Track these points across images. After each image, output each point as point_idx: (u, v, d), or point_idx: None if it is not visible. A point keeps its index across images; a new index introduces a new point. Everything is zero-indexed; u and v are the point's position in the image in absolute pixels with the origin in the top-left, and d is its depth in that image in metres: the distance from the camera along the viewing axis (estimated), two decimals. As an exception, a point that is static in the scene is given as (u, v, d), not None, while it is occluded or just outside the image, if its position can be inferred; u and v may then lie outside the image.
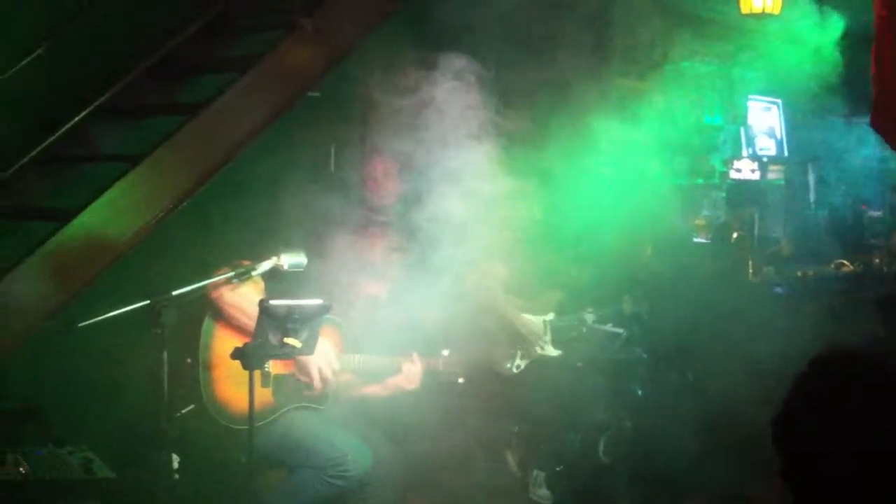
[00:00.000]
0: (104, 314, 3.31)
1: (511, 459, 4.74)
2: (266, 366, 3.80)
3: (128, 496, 3.45)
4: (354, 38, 4.59)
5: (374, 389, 4.09)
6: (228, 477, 3.78)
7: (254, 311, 3.50)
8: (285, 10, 4.37)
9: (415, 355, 4.05)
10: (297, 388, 3.90)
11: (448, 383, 4.09)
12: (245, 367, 3.34)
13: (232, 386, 3.76)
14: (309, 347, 3.50)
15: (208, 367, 3.79)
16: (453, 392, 4.13)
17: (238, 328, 3.79)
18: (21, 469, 3.36)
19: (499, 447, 4.70)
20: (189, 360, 3.76)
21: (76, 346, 4.04)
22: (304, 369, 3.87)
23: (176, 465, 3.32)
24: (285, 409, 3.87)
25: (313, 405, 3.94)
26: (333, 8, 4.44)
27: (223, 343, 3.78)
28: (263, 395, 3.82)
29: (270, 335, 3.39)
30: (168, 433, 3.34)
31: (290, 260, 3.72)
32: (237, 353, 3.35)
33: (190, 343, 3.78)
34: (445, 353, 4.11)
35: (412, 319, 3.98)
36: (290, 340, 3.40)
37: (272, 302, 3.38)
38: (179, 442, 3.58)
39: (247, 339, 3.50)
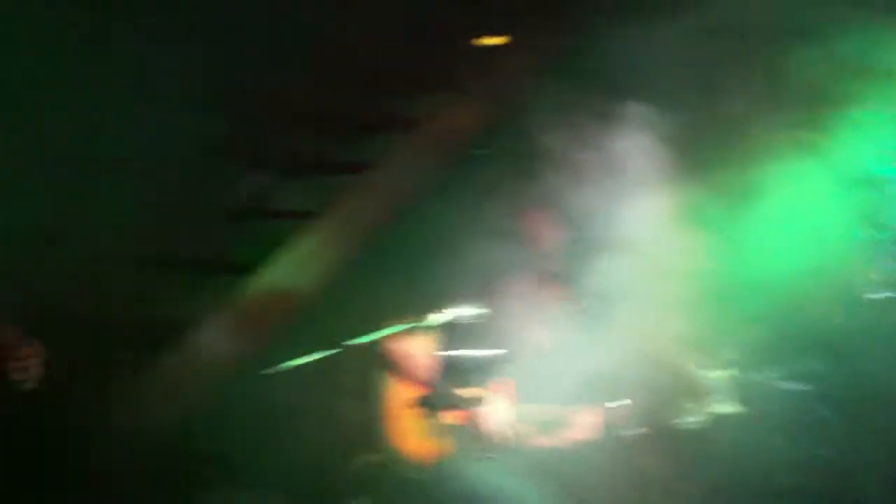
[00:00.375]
0: (286, 362, 3.44)
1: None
2: (443, 416, 3.90)
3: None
4: (521, 95, 4.67)
5: (547, 440, 4.08)
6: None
7: (428, 362, 3.60)
8: (452, 71, 4.48)
9: (587, 407, 4.02)
10: (473, 438, 3.93)
11: (620, 436, 4.04)
12: (424, 415, 3.40)
13: (409, 435, 3.85)
14: (485, 397, 3.54)
15: (386, 417, 3.88)
16: (625, 445, 4.07)
17: (413, 379, 3.87)
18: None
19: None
20: (368, 411, 3.83)
21: (260, 392, 4.21)
22: (480, 419, 3.90)
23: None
24: (463, 459, 3.90)
25: (489, 455, 3.96)
26: (500, 68, 4.54)
27: (400, 393, 3.88)
28: (441, 445, 3.87)
29: (448, 385, 3.45)
30: (352, 481, 3.40)
31: (466, 311, 3.79)
32: (416, 402, 3.43)
33: (368, 393, 3.87)
34: (618, 404, 4.06)
35: (585, 370, 3.96)
36: (467, 390, 3.45)
37: (450, 353, 3.44)
38: (362, 490, 3.65)
39: (422, 389, 3.60)
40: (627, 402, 4.04)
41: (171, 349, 3.77)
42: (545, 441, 4.05)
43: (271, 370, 3.46)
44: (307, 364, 3.46)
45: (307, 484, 4.11)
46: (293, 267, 4.09)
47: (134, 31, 4.07)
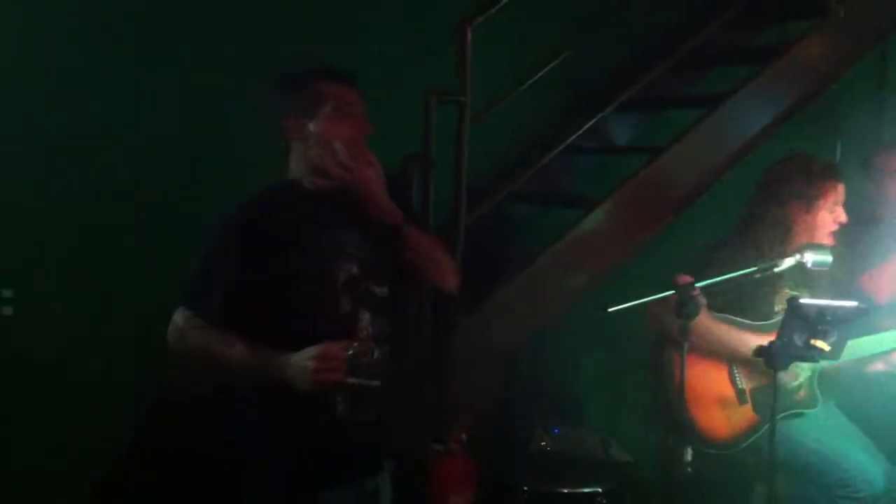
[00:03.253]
0: (628, 300, 3.39)
1: None
2: (739, 383, 3.69)
3: (643, 481, 3.50)
4: (888, 23, 4.27)
5: (875, 367, 3.75)
6: (735, 475, 3.72)
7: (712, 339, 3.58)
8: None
9: None
10: (781, 395, 3.60)
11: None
12: (768, 366, 3.23)
13: (706, 410, 3.66)
14: (836, 352, 3.30)
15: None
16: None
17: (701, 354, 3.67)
18: (544, 443, 3.56)
19: None
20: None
21: (586, 330, 4.21)
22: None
23: (689, 457, 3.29)
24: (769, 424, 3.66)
25: (802, 409, 3.71)
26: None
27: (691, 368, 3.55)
28: (743, 414, 3.67)
29: (796, 336, 3.24)
30: (683, 425, 3.31)
31: (815, 257, 3.54)
32: (760, 352, 3.26)
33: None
34: None
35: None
36: (818, 343, 3.23)
37: (803, 301, 3.23)
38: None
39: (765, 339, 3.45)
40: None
41: (509, 281, 3.80)
42: (873, 369, 3.75)
43: (608, 309, 3.41)
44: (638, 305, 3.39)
45: (629, 425, 4.09)
46: (631, 204, 4.00)
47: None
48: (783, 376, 3.53)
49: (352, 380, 2.49)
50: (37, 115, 3.63)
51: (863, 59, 4.34)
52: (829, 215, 3.72)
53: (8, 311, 3.65)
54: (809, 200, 3.71)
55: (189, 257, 2.73)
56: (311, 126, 2.70)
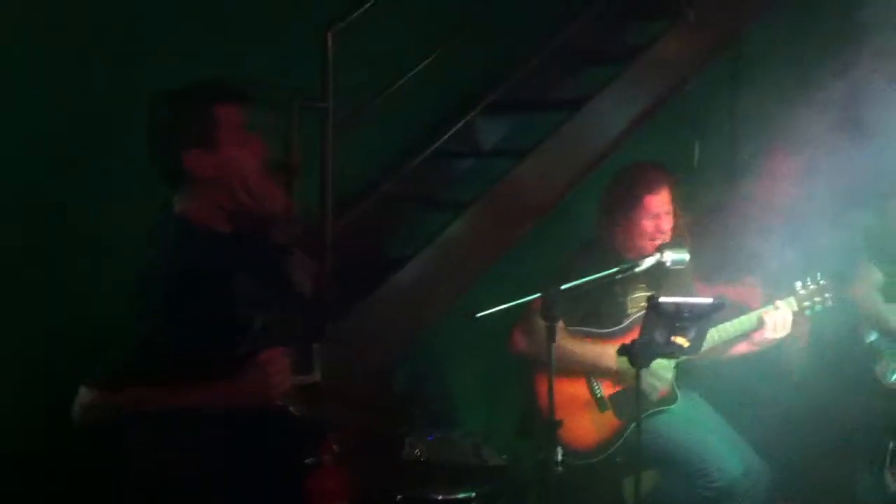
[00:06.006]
0: (497, 305, 3.42)
1: (891, 479, 4.30)
2: (597, 391, 3.80)
3: (516, 483, 3.54)
4: (735, 29, 4.44)
5: (739, 349, 3.90)
6: (606, 472, 3.79)
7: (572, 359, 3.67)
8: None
9: (778, 302, 3.80)
10: (640, 397, 3.67)
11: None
12: (632, 364, 3.31)
13: (568, 423, 3.58)
14: (696, 347, 3.40)
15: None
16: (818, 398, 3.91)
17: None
18: (416, 451, 3.55)
19: (877, 463, 4.29)
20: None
21: (462, 335, 4.23)
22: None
23: (560, 457, 3.34)
24: (635, 424, 3.74)
25: (664, 406, 3.83)
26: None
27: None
28: (604, 421, 3.78)
29: (657, 333, 3.32)
30: (554, 426, 3.35)
31: (673, 256, 3.66)
32: (623, 350, 3.33)
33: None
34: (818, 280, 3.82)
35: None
36: (678, 339, 3.32)
37: (662, 299, 3.31)
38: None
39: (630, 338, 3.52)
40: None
41: (379, 287, 3.79)
42: (739, 350, 3.89)
43: (485, 312, 3.43)
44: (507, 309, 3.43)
45: (506, 427, 4.12)
46: (498, 206, 4.03)
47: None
48: (644, 385, 3.55)
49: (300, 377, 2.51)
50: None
51: (718, 61, 4.47)
52: (650, 222, 3.78)
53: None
54: (631, 208, 3.78)
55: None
56: (215, 161, 2.46)
